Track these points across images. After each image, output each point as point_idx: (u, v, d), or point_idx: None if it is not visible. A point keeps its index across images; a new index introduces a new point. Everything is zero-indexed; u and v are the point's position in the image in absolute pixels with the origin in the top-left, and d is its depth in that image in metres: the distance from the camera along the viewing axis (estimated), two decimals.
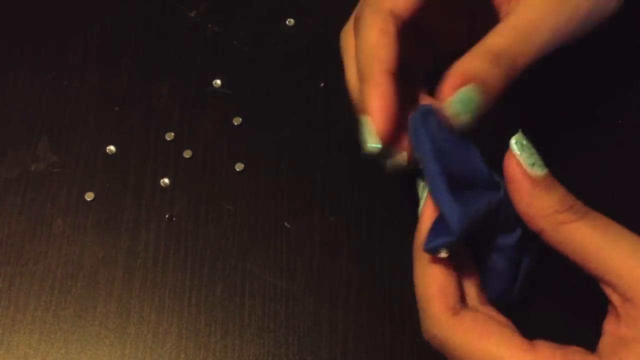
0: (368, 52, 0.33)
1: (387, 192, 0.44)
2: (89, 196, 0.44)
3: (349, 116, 0.46)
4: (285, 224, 0.43)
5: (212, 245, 0.42)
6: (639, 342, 0.27)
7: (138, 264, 0.42)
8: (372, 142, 0.32)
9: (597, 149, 0.44)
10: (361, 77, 0.33)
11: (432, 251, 0.30)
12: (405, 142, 0.33)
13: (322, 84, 0.47)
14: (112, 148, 0.46)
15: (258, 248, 0.42)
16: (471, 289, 0.32)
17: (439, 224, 0.30)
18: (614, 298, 0.28)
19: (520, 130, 0.29)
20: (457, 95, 0.30)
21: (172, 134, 0.46)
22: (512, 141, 0.29)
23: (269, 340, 0.39)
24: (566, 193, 0.29)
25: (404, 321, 0.40)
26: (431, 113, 0.31)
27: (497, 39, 0.32)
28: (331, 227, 0.43)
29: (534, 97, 0.47)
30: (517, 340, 0.28)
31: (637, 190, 0.43)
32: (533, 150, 0.29)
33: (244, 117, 0.46)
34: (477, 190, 0.31)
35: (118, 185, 0.44)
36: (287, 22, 0.50)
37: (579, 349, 0.28)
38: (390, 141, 0.33)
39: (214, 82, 0.48)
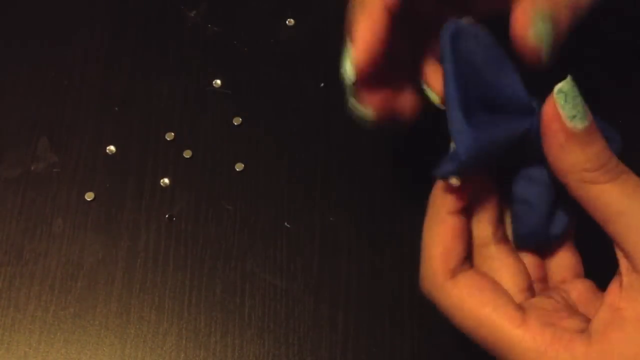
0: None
1: (387, 192, 0.44)
2: (89, 196, 0.44)
3: (349, 116, 0.47)
4: (285, 224, 0.43)
5: (212, 245, 0.42)
6: (632, 323, 0.26)
7: (138, 264, 0.42)
8: (348, 72, 0.31)
9: None
10: (358, 4, 0.32)
11: (441, 176, 0.29)
12: (377, 98, 0.33)
13: (322, 84, 0.47)
14: (112, 148, 0.46)
15: (258, 248, 0.42)
16: (487, 226, 0.31)
17: (454, 152, 0.29)
18: (623, 265, 0.28)
19: (569, 76, 0.27)
20: (537, 26, 0.29)
21: (172, 134, 0.46)
22: (557, 88, 0.27)
23: (269, 340, 0.39)
24: (601, 150, 0.27)
25: (404, 321, 0.40)
26: (463, 29, 0.30)
27: None
28: (331, 227, 0.43)
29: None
30: (510, 311, 0.28)
31: None
32: (578, 100, 0.27)
33: (244, 117, 0.46)
34: (508, 114, 0.29)
35: (118, 185, 0.44)
36: (287, 22, 0.50)
37: (570, 326, 0.28)
38: (366, 77, 0.31)
39: (214, 82, 0.48)
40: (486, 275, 0.30)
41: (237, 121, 0.46)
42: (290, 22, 0.50)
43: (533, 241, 0.32)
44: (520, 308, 0.28)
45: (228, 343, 0.40)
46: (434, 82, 0.33)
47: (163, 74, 0.48)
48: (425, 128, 0.46)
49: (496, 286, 0.29)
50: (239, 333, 0.40)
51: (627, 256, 0.27)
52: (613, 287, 0.28)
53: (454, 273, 0.29)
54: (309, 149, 0.45)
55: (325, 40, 0.49)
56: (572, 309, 0.30)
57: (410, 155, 0.45)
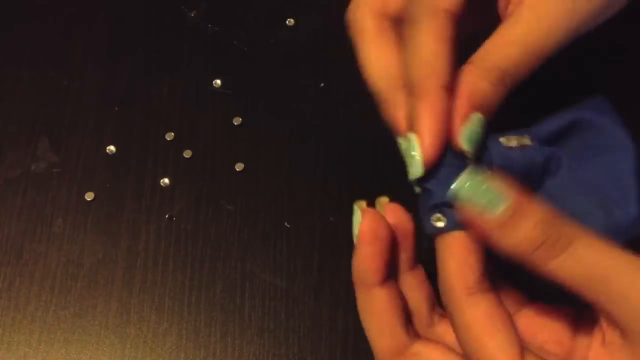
0: (424, 62, 0.29)
1: (388, 192, 0.44)
2: (89, 196, 0.44)
3: (349, 116, 0.47)
4: (285, 224, 0.43)
5: (212, 245, 0.42)
6: None
7: (138, 264, 0.42)
8: (418, 168, 0.28)
9: None
10: (413, 92, 0.29)
11: (428, 228, 0.28)
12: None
13: (322, 84, 0.47)
14: (112, 148, 0.46)
15: (258, 248, 0.42)
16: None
17: (420, 200, 0.28)
18: (602, 320, 0.27)
19: (464, 172, 0.26)
20: (469, 130, 0.28)
21: (172, 134, 0.46)
22: (452, 189, 0.26)
23: (269, 340, 0.40)
24: (536, 224, 0.25)
25: None
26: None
27: (503, 54, 0.29)
28: (331, 227, 0.43)
29: (533, 96, 0.47)
30: (514, 350, 0.26)
31: None
32: (478, 193, 0.26)
33: (244, 117, 0.46)
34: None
35: (118, 185, 0.44)
36: (287, 22, 0.50)
37: None
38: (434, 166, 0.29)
39: (214, 82, 0.48)
40: (501, 304, 0.28)
41: (237, 121, 0.46)
42: (290, 22, 0.50)
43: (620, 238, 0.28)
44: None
45: (228, 343, 0.40)
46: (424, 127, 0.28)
47: (163, 74, 0.48)
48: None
49: (508, 320, 0.28)
50: (239, 333, 0.40)
51: (608, 316, 0.26)
52: (595, 343, 0.28)
53: (471, 291, 0.27)
54: (309, 149, 0.45)
55: (325, 40, 0.49)
56: None
57: None
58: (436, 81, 0.28)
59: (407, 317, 0.30)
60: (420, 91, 0.28)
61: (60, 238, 0.43)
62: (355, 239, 0.29)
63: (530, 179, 0.28)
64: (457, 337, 0.27)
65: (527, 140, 0.28)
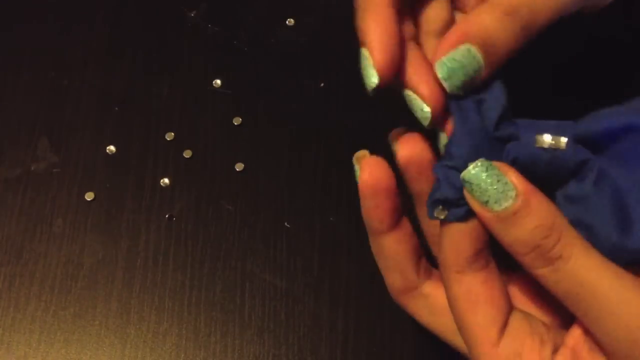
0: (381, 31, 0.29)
1: None
2: (89, 196, 0.44)
3: (349, 116, 0.47)
4: (285, 224, 0.43)
5: (212, 245, 0.42)
6: None
7: (138, 264, 0.42)
8: (371, 77, 0.29)
9: None
10: (360, 7, 0.30)
11: (430, 213, 0.27)
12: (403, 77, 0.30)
13: (322, 84, 0.47)
14: (112, 148, 0.46)
15: (258, 248, 0.42)
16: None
17: (434, 186, 0.28)
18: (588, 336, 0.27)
19: (476, 162, 0.26)
20: (450, 56, 0.27)
21: (172, 134, 0.46)
22: (461, 177, 0.26)
23: (269, 340, 0.40)
24: (534, 228, 0.25)
25: (404, 321, 0.40)
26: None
27: None
28: (331, 227, 0.43)
29: (533, 96, 0.47)
30: (494, 327, 0.27)
31: None
32: (487, 185, 0.26)
33: (244, 117, 0.46)
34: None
35: (118, 185, 0.44)
36: (287, 22, 0.50)
37: None
38: (390, 76, 0.29)
39: (214, 82, 0.48)
40: (491, 281, 0.28)
41: (237, 121, 0.46)
42: (290, 22, 0.50)
43: (621, 261, 0.27)
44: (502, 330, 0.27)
45: (228, 343, 0.40)
46: (423, 85, 0.28)
47: (163, 74, 0.48)
48: (424, 129, 0.46)
49: (493, 298, 0.28)
50: (239, 333, 0.40)
51: (594, 338, 0.26)
52: (583, 347, 0.27)
53: (461, 268, 0.27)
54: (309, 149, 0.45)
55: (325, 40, 0.50)
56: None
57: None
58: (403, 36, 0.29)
59: (418, 257, 0.30)
60: (365, 4, 0.29)
61: (60, 238, 0.43)
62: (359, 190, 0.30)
63: (553, 178, 0.27)
64: (449, 307, 0.28)
65: (562, 143, 0.27)
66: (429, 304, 0.30)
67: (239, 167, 0.45)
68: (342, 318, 0.40)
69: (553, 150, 0.27)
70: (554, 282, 0.26)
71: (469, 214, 0.27)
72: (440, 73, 0.27)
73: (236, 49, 0.49)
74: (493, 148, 0.27)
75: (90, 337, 0.40)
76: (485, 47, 0.27)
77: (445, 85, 0.27)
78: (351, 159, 0.46)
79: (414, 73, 0.29)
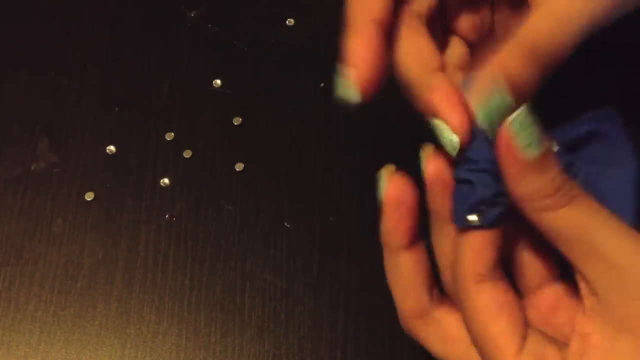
0: (358, 3, 0.30)
1: None
2: (89, 196, 0.44)
3: (349, 116, 0.47)
4: (285, 224, 0.43)
5: (212, 245, 0.42)
6: (600, 352, 0.26)
7: (138, 264, 0.42)
8: (352, 95, 0.30)
9: None
10: (347, 25, 0.30)
11: (459, 222, 0.28)
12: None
13: (322, 84, 0.47)
14: (112, 148, 0.46)
15: (258, 248, 0.42)
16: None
17: (458, 191, 0.28)
18: (583, 289, 0.28)
19: (524, 106, 0.27)
20: (486, 103, 0.28)
21: (172, 134, 0.46)
22: (511, 119, 0.27)
23: (269, 340, 0.40)
24: (556, 175, 0.27)
25: None
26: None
27: (534, 28, 0.28)
28: (331, 227, 0.43)
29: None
30: (516, 335, 0.28)
31: None
32: (532, 129, 0.27)
33: (244, 117, 0.46)
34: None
35: (118, 185, 0.44)
36: (287, 22, 0.50)
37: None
38: (372, 94, 0.30)
39: (214, 82, 0.48)
40: (510, 291, 0.29)
41: (237, 121, 0.46)
42: (290, 22, 0.50)
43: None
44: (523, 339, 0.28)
45: (228, 343, 0.40)
46: (454, 115, 0.29)
47: (163, 74, 0.48)
48: (424, 129, 0.46)
49: (514, 308, 0.29)
50: (239, 333, 0.40)
51: (585, 280, 0.27)
52: (579, 313, 0.28)
53: (482, 278, 0.28)
54: (309, 149, 0.45)
55: (325, 40, 0.49)
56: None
57: (410, 156, 0.45)
58: (366, 16, 0.30)
59: (431, 282, 0.30)
60: (351, 24, 0.30)
61: (60, 238, 0.43)
62: (382, 204, 0.30)
63: None
64: (465, 322, 0.29)
65: (554, 147, 0.29)
66: (441, 330, 0.30)
67: (239, 167, 0.45)
68: (342, 318, 0.40)
69: None
70: (568, 221, 0.27)
71: (501, 218, 0.28)
72: (480, 120, 0.28)
73: (236, 49, 0.49)
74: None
75: (90, 337, 0.40)
76: (514, 88, 0.28)
77: (488, 131, 0.28)
78: (351, 159, 0.46)
79: (445, 103, 0.29)
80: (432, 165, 0.30)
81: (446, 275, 0.31)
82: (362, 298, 0.41)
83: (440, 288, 0.31)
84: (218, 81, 0.48)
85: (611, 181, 0.30)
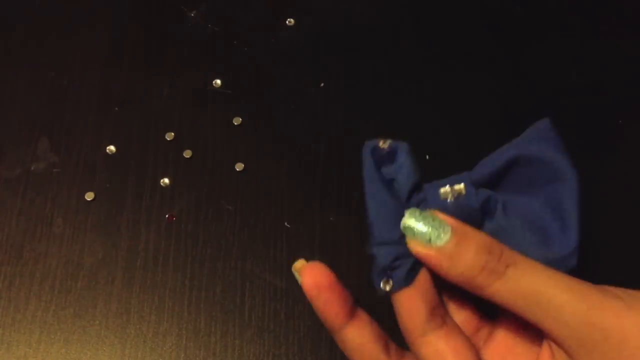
0: None
1: None
2: (89, 196, 0.44)
3: (349, 116, 0.47)
4: (285, 224, 0.43)
5: (212, 245, 0.42)
6: None
7: (138, 264, 0.42)
8: None
9: (596, 149, 0.44)
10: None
11: (380, 292, 0.29)
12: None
13: (322, 84, 0.47)
14: (112, 148, 0.46)
15: (258, 248, 0.42)
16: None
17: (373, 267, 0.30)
18: (550, 342, 0.28)
19: (410, 209, 0.28)
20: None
21: (172, 134, 0.46)
22: (401, 226, 0.28)
23: (269, 340, 0.39)
24: (477, 250, 0.27)
25: None
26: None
27: None
28: (331, 227, 0.43)
29: (536, 98, 0.47)
30: None
31: (637, 191, 0.43)
32: (425, 225, 0.28)
33: (244, 117, 0.46)
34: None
35: (118, 185, 0.44)
36: (287, 22, 0.50)
37: None
38: None
39: (214, 82, 0.48)
40: (455, 335, 0.30)
41: (237, 121, 0.46)
42: (290, 22, 0.50)
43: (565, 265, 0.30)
44: None
45: (228, 343, 0.40)
46: None
47: (163, 74, 0.48)
48: (425, 129, 0.46)
49: (462, 352, 0.29)
50: (239, 333, 0.40)
51: (548, 336, 0.28)
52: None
53: (422, 332, 0.29)
54: (309, 149, 0.45)
55: (325, 40, 0.49)
56: None
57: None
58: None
59: (384, 341, 0.31)
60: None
61: (60, 238, 0.43)
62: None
63: (469, 223, 0.29)
64: None
65: (461, 189, 0.30)
66: None
67: (239, 167, 0.45)
68: None
69: (456, 197, 0.29)
70: (506, 294, 0.27)
71: (409, 275, 0.29)
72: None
73: (236, 49, 0.49)
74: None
75: (90, 337, 0.40)
76: None
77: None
78: (351, 159, 0.46)
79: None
80: (308, 278, 0.30)
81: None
82: (362, 298, 0.41)
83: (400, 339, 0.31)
84: (218, 81, 0.48)
85: (548, 201, 0.30)
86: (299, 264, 0.31)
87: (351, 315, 0.31)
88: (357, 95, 0.47)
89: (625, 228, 0.42)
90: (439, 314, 0.29)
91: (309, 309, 0.40)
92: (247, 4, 0.51)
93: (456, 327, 0.30)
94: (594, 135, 0.45)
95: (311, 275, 0.30)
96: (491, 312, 0.32)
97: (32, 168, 0.45)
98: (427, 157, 0.45)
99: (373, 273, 0.30)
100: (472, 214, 0.30)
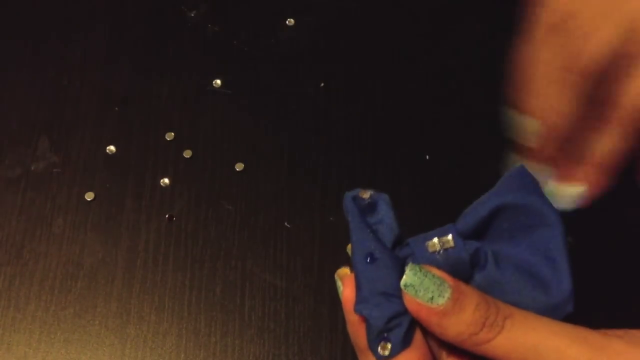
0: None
1: (387, 192, 0.44)
2: (89, 196, 0.44)
3: (349, 116, 0.47)
4: (285, 224, 0.43)
5: (212, 245, 0.42)
6: None
7: (138, 264, 0.42)
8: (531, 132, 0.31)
9: None
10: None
11: (378, 357, 0.29)
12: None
13: (322, 84, 0.47)
14: (112, 148, 0.46)
15: (258, 248, 0.42)
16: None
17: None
18: None
19: (408, 267, 0.28)
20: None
21: (172, 134, 0.46)
22: (402, 284, 0.28)
23: (269, 340, 0.39)
24: (474, 309, 0.27)
25: None
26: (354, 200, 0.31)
27: None
28: (331, 227, 0.43)
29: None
30: None
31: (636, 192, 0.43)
32: (427, 282, 0.27)
33: (244, 117, 0.46)
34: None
35: (118, 185, 0.44)
36: (287, 22, 0.50)
37: None
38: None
39: (214, 82, 0.48)
40: None
41: (237, 122, 0.46)
42: (290, 22, 0.50)
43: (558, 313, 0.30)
44: None
45: (228, 343, 0.40)
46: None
47: (163, 74, 0.48)
48: (424, 129, 0.46)
49: None
50: (239, 333, 0.40)
51: None
52: None
53: None
54: (309, 149, 0.45)
55: (325, 40, 0.49)
56: None
57: (409, 156, 0.45)
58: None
59: None
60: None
61: (60, 238, 0.43)
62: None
63: (459, 276, 0.29)
64: None
65: (450, 241, 0.29)
66: None
67: (239, 167, 0.45)
68: (342, 318, 0.40)
69: (445, 250, 0.29)
70: (503, 350, 0.27)
71: (407, 335, 0.28)
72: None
73: (236, 49, 0.49)
74: (394, 270, 0.29)
75: (90, 337, 0.40)
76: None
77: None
78: (351, 159, 0.46)
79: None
80: (349, 290, 0.30)
81: None
82: None
83: None
84: (218, 81, 0.48)
85: (537, 247, 0.30)
86: (343, 272, 0.31)
87: None
88: (357, 95, 0.47)
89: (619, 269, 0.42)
90: None
91: (309, 309, 0.40)
92: (247, 4, 0.51)
93: None
94: None
95: (353, 289, 0.29)
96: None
97: (32, 168, 0.45)
98: (427, 157, 0.45)
99: (368, 337, 0.29)
100: (461, 267, 0.29)
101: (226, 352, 0.39)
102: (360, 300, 0.28)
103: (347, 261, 0.42)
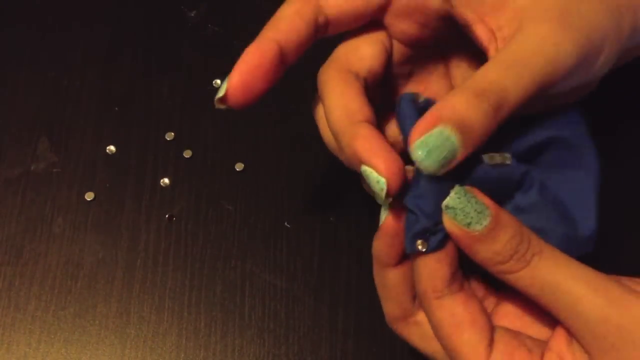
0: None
1: None
2: (89, 196, 0.44)
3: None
4: (285, 224, 0.43)
5: (212, 245, 0.42)
6: None
7: (138, 264, 0.42)
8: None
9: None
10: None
11: (409, 248, 0.29)
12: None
13: None
14: (112, 148, 0.46)
15: (258, 248, 0.42)
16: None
17: (409, 219, 0.30)
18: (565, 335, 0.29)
19: (455, 187, 0.28)
20: (424, 139, 0.27)
21: (172, 134, 0.46)
22: (444, 205, 0.28)
23: (269, 340, 0.40)
24: (508, 240, 0.28)
25: None
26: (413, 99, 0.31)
27: (484, 73, 0.29)
28: (331, 227, 0.43)
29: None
30: (481, 344, 0.29)
31: (637, 192, 0.43)
32: (469, 207, 0.28)
33: (244, 117, 0.46)
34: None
35: (118, 185, 0.44)
36: None
37: None
38: (244, 102, 0.34)
39: (214, 82, 0.48)
40: (471, 302, 0.30)
41: (237, 122, 0.46)
42: None
43: (575, 250, 0.31)
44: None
45: (228, 343, 0.40)
46: (376, 156, 0.29)
47: (163, 74, 0.48)
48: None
49: (477, 317, 0.30)
50: (239, 333, 0.40)
51: (567, 330, 0.28)
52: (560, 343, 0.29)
53: (440, 294, 0.30)
54: (309, 149, 0.45)
55: (325, 40, 0.49)
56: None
57: (408, 154, 0.45)
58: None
59: (414, 291, 0.32)
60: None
61: (60, 238, 0.43)
62: (380, 225, 0.31)
63: (502, 192, 0.30)
64: (434, 334, 0.30)
65: (508, 158, 0.30)
66: (421, 330, 0.32)
67: (239, 167, 0.45)
68: (342, 318, 0.40)
69: (501, 166, 0.30)
70: (528, 282, 0.28)
71: (445, 240, 0.29)
72: (415, 156, 0.28)
73: (236, 49, 0.49)
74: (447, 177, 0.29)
75: (90, 337, 0.40)
76: (460, 128, 0.28)
77: (422, 167, 0.28)
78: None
79: (369, 149, 0.29)
80: (391, 220, 0.31)
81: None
82: (362, 298, 0.41)
83: None
84: (218, 81, 0.48)
85: (573, 185, 0.31)
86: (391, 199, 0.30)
87: (400, 262, 0.32)
88: None
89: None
90: (458, 279, 0.30)
91: (309, 309, 0.40)
92: (247, 4, 0.51)
93: (473, 293, 0.30)
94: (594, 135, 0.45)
95: (398, 220, 0.30)
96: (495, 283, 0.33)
97: (32, 168, 0.45)
98: None
99: (407, 231, 0.29)
100: (506, 185, 0.30)
101: (226, 352, 0.39)
102: (416, 195, 0.29)
103: (347, 261, 0.42)
